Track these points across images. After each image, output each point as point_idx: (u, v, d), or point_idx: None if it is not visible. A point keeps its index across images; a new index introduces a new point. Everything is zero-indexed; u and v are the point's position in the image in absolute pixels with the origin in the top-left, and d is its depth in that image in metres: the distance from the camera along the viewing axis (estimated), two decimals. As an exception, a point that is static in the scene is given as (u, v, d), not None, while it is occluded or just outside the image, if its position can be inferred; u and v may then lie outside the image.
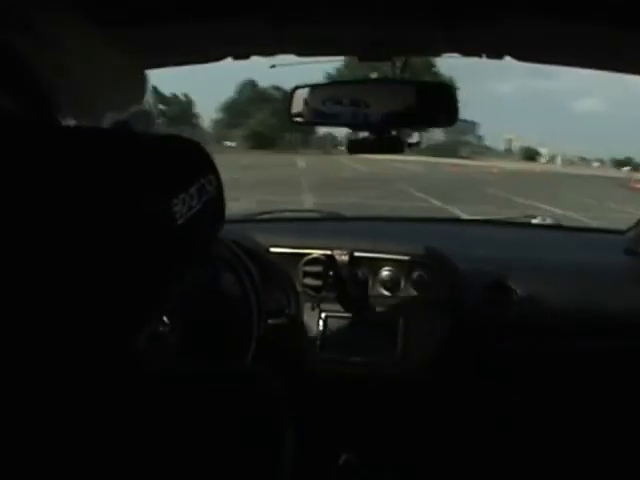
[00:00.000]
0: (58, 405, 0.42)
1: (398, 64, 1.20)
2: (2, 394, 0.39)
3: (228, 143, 40.82)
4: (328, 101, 1.24)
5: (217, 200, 0.48)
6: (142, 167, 0.40)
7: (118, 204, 0.38)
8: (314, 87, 1.24)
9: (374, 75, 1.34)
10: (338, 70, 22.79)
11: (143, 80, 0.61)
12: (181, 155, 0.47)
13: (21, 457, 0.40)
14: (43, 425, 0.42)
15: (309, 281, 1.52)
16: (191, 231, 0.44)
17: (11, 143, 0.38)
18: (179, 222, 0.41)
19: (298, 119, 1.25)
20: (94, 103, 0.53)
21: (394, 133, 1.27)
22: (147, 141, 0.47)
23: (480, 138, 76.77)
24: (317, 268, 1.52)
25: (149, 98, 0.61)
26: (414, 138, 1.46)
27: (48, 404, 0.42)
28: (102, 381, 0.45)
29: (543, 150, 72.10)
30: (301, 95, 1.24)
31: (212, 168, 0.49)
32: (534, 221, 1.98)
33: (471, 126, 70.44)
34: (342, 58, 1.27)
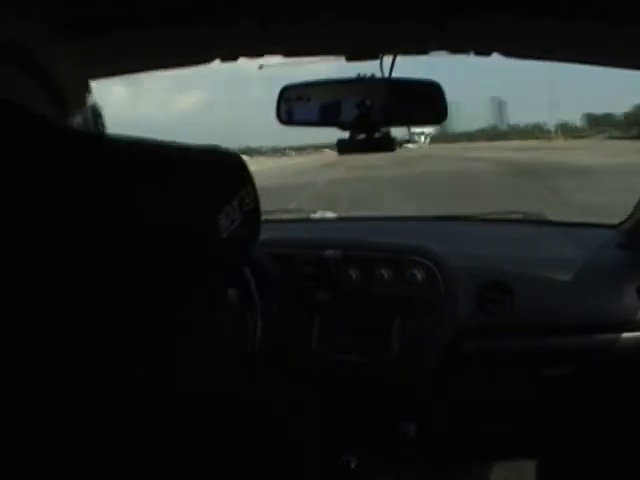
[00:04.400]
0: (59, 405, 0.42)
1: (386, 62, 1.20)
2: (3, 394, 0.38)
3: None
4: (315, 101, 1.24)
5: (255, 210, 0.49)
6: (190, 184, 0.41)
7: (167, 222, 0.38)
8: (302, 87, 1.24)
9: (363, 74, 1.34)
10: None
11: (86, 88, 0.61)
12: (223, 169, 0.47)
13: (21, 456, 0.40)
14: (43, 424, 0.42)
15: (303, 282, 1.52)
16: (234, 243, 0.44)
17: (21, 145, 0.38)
18: (224, 235, 0.42)
19: (285, 120, 1.25)
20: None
21: (384, 131, 1.27)
22: (192, 154, 0.47)
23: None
24: (311, 269, 1.52)
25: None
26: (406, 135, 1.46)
27: (49, 404, 0.41)
28: (105, 382, 0.45)
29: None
30: (289, 95, 1.24)
31: (250, 180, 0.49)
32: (524, 217, 1.98)
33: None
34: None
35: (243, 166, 0.49)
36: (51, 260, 0.36)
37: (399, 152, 1.47)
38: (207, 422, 0.49)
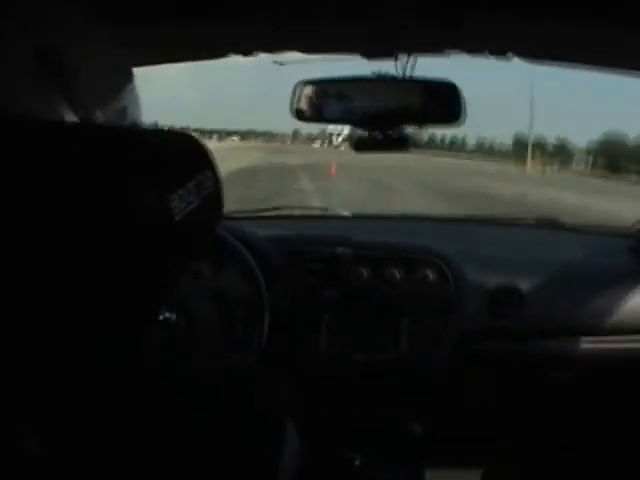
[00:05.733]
0: (57, 404, 0.43)
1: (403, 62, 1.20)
2: (5, 393, 0.39)
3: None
4: (331, 98, 1.24)
5: (215, 195, 0.48)
6: (139, 163, 0.40)
7: (114, 200, 0.37)
8: (317, 83, 1.25)
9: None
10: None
11: (130, 77, 0.62)
12: (179, 151, 0.47)
13: (22, 456, 0.41)
14: (43, 423, 0.42)
15: (312, 279, 1.52)
16: (189, 227, 0.44)
17: (5, 138, 0.38)
18: (177, 218, 0.41)
19: (301, 115, 1.25)
20: (88, 99, 0.53)
21: (400, 130, 1.27)
22: (145, 137, 0.47)
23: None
24: (321, 266, 1.52)
25: (134, 95, 0.61)
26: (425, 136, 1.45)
27: (47, 403, 0.42)
28: (101, 379, 0.45)
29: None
30: (305, 91, 1.24)
31: (210, 164, 0.49)
32: (537, 221, 1.97)
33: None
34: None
35: (201, 149, 0.48)
36: (41, 252, 0.36)
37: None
38: (202, 420, 0.49)
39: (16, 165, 0.37)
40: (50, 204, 0.36)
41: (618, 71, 1.20)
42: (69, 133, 0.42)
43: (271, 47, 1.17)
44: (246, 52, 1.18)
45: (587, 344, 1.47)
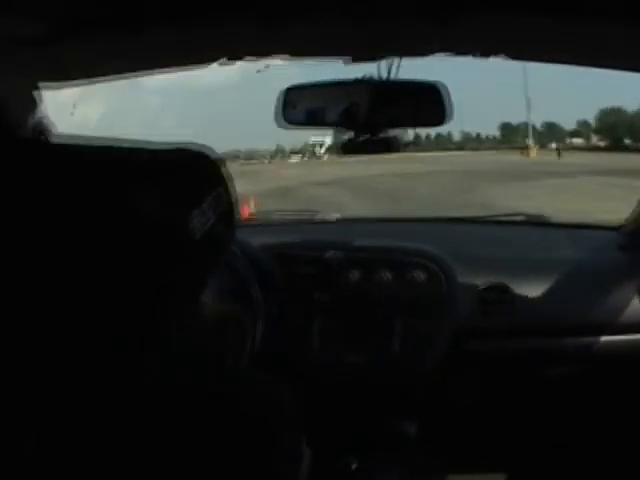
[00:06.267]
0: (58, 407, 0.42)
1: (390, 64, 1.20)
2: (5, 393, 0.38)
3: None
4: (316, 102, 1.24)
5: (229, 211, 0.48)
6: (159, 184, 0.40)
7: (134, 220, 0.37)
8: (304, 88, 1.24)
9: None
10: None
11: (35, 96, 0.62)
12: (195, 168, 0.47)
13: (21, 457, 0.40)
14: (43, 426, 0.42)
15: (304, 283, 1.52)
16: (208, 244, 0.44)
17: (20, 164, 0.38)
18: (197, 236, 0.41)
19: (289, 120, 1.25)
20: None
21: (387, 133, 1.27)
22: (161, 154, 0.46)
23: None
24: (311, 270, 1.52)
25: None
26: (410, 137, 1.46)
27: (47, 406, 0.41)
28: (100, 382, 0.45)
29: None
30: (289, 97, 1.24)
31: (224, 180, 0.49)
32: (525, 219, 1.98)
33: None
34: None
35: (216, 166, 0.48)
36: (43, 259, 0.36)
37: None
38: (199, 425, 0.49)
39: (39, 191, 0.36)
40: (70, 223, 0.36)
41: (610, 69, 1.20)
42: (85, 152, 0.42)
43: (258, 52, 1.16)
44: (233, 58, 1.17)
45: (578, 341, 1.48)
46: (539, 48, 1.18)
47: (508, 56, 1.17)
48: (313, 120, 1.28)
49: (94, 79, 1.18)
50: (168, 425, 0.48)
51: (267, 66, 1.26)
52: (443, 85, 1.21)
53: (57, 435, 0.42)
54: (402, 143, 1.30)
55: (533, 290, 1.50)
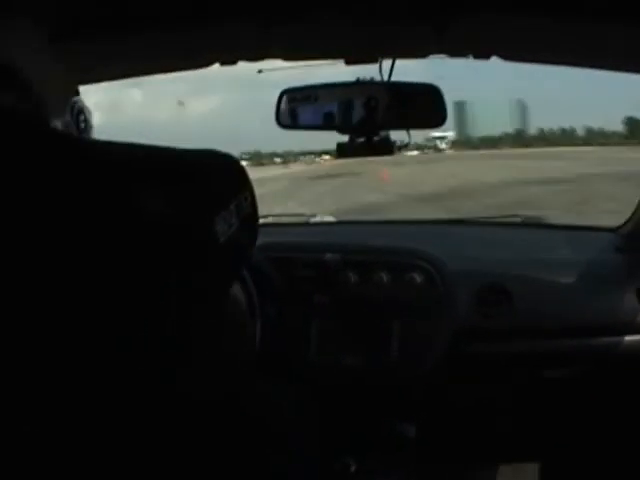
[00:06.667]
0: (59, 406, 0.42)
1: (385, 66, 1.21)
2: (5, 394, 0.38)
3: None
4: (314, 105, 1.24)
5: (252, 215, 0.49)
6: (186, 187, 0.40)
7: (161, 223, 0.37)
8: (300, 90, 1.24)
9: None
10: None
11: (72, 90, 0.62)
12: (220, 172, 0.47)
13: (22, 456, 0.40)
14: (43, 424, 0.41)
15: (301, 286, 1.52)
16: (231, 248, 0.44)
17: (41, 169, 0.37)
18: (222, 240, 0.41)
19: (285, 123, 1.25)
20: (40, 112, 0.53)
21: (383, 135, 1.27)
22: (189, 158, 0.46)
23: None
24: (309, 272, 1.52)
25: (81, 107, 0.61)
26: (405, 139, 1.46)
27: (50, 405, 0.41)
28: (103, 385, 0.44)
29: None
30: (287, 99, 1.24)
31: (248, 184, 0.49)
32: (523, 221, 1.98)
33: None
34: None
35: (241, 171, 0.49)
36: (49, 259, 0.36)
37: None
38: (202, 426, 0.49)
39: (56, 188, 0.36)
40: (94, 226, 0.36)
41: (606, 69, 1.21)
42: (114, 152, 0.41)
43: (255, 55, 1.16)
44: (230, 61, 1.17)
45: (577, 343, 1.48)
46: (537, 49, 1.18)
47: (505, 57, 1.17)
48: (307, 123, 1.28)
49: (93, 80, 1.18)
50: (169, 427, 0.48)
51: (260, 71, 1.26)
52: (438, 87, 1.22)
53: (59, 435, 0.42)
54: (398, 145, 1.30)
55: (532, 291, 1.50)
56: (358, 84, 1.23)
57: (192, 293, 0.41)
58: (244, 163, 0.57)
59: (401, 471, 1.55)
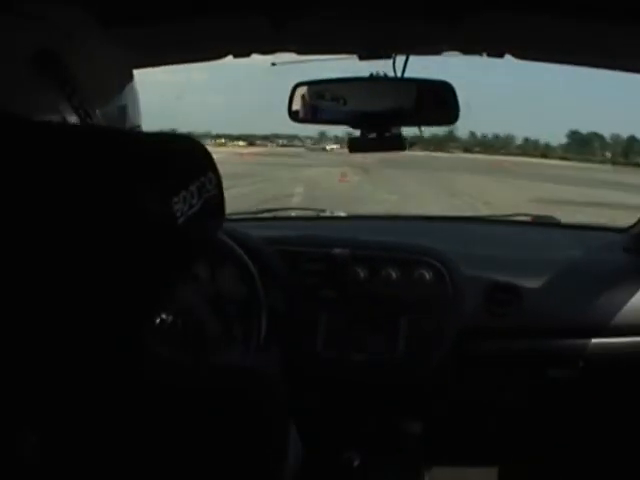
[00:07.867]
0: (57, 405, 0.43)
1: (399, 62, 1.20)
2: (5, 392, 0.39)
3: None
4: (327, 99, 1.24)
5: (217, 198, 0.48)
6: (142, 166, 0.41)
7: (117, 202, 0.38)
8: (313, 84, 1.24)
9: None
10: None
11: (129, 78, 0.62)
12: (181, 154, 0.47)
13: (22, 455, 0.41)
14: (43, 424, 0.42)
15: (309, 280, 1.52)
16: (191, 229, 0.44)
17: (8, 142, 0.38)
18: (180, 220, 0.42)
19: (297, 117, 1.25)
20: (87, 101, 0.53)
21: (395, 131, 1.27)
22: (147, 139, 0.47)
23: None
24: (318, 267, 1.52)
25: (134, 95, 0.62)
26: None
27: (47, 404, 0.42)
28: (101, 378, 0.45)
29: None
30: (300, 92, 1.24)
31: (212, 166, 0.49)
32: (533, 219, 1.97)
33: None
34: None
35: (205, 153, 0.49)
36: (48, 254, 0.37)
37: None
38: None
39: (17, 166, 0.37)
40: (53, 205, 0.37)
41: (614, 69, 1.20)
42: (72, 136, 0.43)
43: (269, 48, 1.16)
44: (244, 53, 1.18)
45: (585, 342, 1.48)
46: (551, 49, 1.18)
47: (518, 56, 1.17)
48: (319, 117, 1.28)
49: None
50: (169, 423, 0.48)
51: (274, 64, 1.26)
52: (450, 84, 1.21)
53: (58, 435, 0.43)
54: (410, 141, 1.30)
55: (540, 290, 1.50)
56: (370, 79, 1.23)
57: (150, 271, 0.41)
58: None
59: (406, 468, 1.56)
